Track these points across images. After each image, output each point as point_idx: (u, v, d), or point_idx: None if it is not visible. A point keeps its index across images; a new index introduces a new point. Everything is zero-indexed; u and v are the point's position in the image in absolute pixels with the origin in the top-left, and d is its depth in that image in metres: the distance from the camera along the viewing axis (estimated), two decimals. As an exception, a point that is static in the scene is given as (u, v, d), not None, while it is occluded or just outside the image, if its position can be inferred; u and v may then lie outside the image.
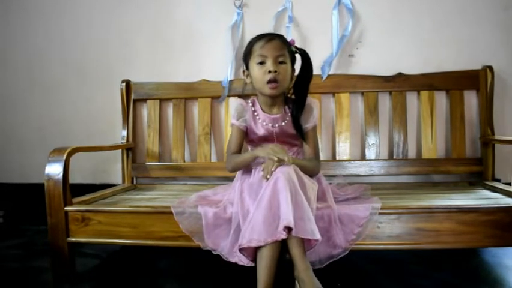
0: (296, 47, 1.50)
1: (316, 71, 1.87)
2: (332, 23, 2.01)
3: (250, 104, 1.54)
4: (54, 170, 1.55)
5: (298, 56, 1.51)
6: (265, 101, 1.52)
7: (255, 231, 1.21)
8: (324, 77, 1.99)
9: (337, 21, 2.00)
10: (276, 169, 1.30)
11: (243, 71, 1.54)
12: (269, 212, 1.22)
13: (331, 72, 2.01)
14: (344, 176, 1.93)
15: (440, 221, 1.38)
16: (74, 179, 1.69)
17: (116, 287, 1.53)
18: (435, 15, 2.00)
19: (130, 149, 2.12)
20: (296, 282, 1.24)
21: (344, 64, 2.05)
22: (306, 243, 1.25)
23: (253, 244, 1.21)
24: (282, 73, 1.43)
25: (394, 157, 1.97)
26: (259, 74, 1.43)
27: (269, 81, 1.42)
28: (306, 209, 1.24)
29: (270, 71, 1.41)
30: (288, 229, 1.19)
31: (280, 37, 1.47)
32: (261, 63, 1.43)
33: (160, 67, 2.18)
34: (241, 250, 1.28)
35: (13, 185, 2.35)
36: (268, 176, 1.31)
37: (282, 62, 1.43)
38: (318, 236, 1.21)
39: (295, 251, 1.22)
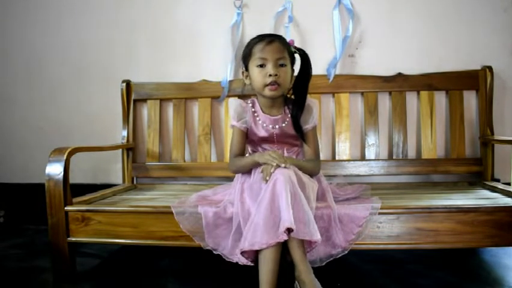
0: (295, 47, 1.49)
1: (317, 71, 1.89)
2: (334, 24, 2.01)
3: (250, 105, 1.53)
4: (55, 169, 1.55)
5: (297, 56, 1.51)
6: (265, 102, 1.51)
7: (257, 234, 1.21)
8: (331, 79, 1.99)
9: (339, 23, 2.00)
10: (274, 170, 1.30)
11: (242, 72, 1.52)
12: (270, 214, 1.22)
13: (330, 72, 2.02)
14: (344, 176, 1.94)
15: (439, 220, 1.39)
16: (75, 178, 1.69)
17: (117, 286, 1.53)
18: (434, 15, 2.01)
19: (130, 149, 2.12)
20: (296, 283, 1.25)
21: (344, 64, 2.06)
22: (306, 244, 1.26)
23: (256, 247, 1.21)
24: (282, 76, 1.41)
25: (394, 157, 1.98)
26: (259, 77, 1.42)
27: (269, 84, 1.41)
28: (306, 210, 1.24)
29: (270, 75, 1.40)
30: (289, 230, 1.20)
31: (280, 38, 1.45)
32: (261, 65, 1.42)
33: (161, 67, 2.19)
34: (242, 252, 1.27)
35: (13, 184, 2.35)
36: (267, 178, 1.30)
37: (282, 65, 1.42)
38: (318, 237, 1.21)
39: (296, 252, 1.23)
